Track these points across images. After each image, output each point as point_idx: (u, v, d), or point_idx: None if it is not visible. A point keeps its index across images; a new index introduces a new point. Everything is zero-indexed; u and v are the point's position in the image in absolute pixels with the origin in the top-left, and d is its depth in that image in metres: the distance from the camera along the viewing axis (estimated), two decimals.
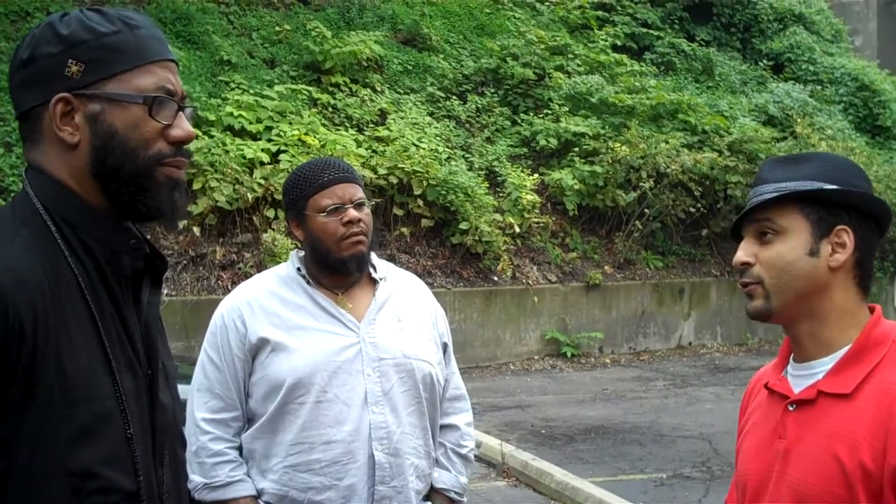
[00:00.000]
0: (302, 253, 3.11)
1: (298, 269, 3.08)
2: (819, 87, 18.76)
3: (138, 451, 1.71)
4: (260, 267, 11.23)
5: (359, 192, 3.02)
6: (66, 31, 1.68)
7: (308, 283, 3.05)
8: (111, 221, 1.73)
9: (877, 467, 1.85)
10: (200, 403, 3.01)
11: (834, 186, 2.00)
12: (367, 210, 3.04)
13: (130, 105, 1.69)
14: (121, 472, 1.68)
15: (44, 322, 1.59)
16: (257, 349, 2.96)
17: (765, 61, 19.14)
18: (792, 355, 2.11)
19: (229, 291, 3.28)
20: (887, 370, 1.94)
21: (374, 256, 3.15)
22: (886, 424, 1.86)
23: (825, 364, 2.01)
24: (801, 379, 2.04)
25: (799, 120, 16.60)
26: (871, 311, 2.05)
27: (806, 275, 1.99)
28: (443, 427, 3.19)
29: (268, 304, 3.01)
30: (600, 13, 18.06)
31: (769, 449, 2.04)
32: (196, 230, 11.65)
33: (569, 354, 13.43)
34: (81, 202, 1.70)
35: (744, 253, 2.04)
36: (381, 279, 3.12)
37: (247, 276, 11.10)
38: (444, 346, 3.22)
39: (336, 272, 3.03)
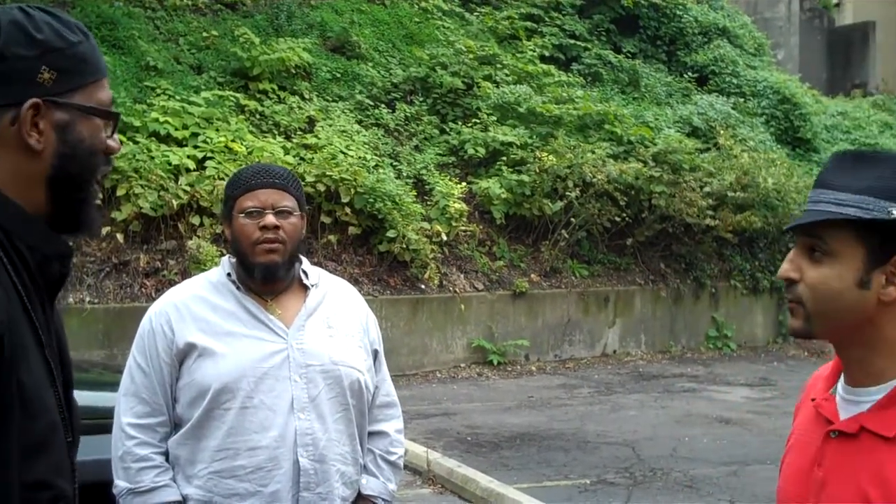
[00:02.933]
0: (234, 259, 3.09)
1: (229, 274, 3.07)
2: (742, 100, 19.09)
3: (74, 457, 1.73)
4: (184, 274, 11.11)
5: (285, 201, 3.00)
6: (39, 36, 1.68)
7: (238, 288, 3.04)
8: (43, 228, 1.73)
9: None
10: (127, 408, 2.98)
11: None
12: (292, 220, 3.01)
13: (94, 118, 1.73)
14: (65, 480, 1.69)
15: (9, 336, 1.58)
16: (184, 354, 2.95)
17: (689, 73, 19.42)
18: (843, 373, 1.92)
19: (153, 299, 3.28)
20: None
21: (306, 262, 3.16)
22: None
23: (872, 395, 1.82)
24: (850, 405, 1.86)
25: (722, 131, 16.86)
26: None
27: (851, 307, 1.79)
28: (372, 434, 3.19)
29: (196, 309, 3.01)
30: (529, 24, 18.20)
31: (807, 475, 1.89)
32: (119, 237, 11.52)
33: (495, 362, 13.49)
34: (16, 207, 1.69)
35: (789, 267, 1.85)
36: (312, 286, 3.12)
37: (171, 283, 10.99)
38: (375, 352, 3.23)
39: (262, 280, 3.03)
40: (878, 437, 1.77)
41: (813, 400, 1.94)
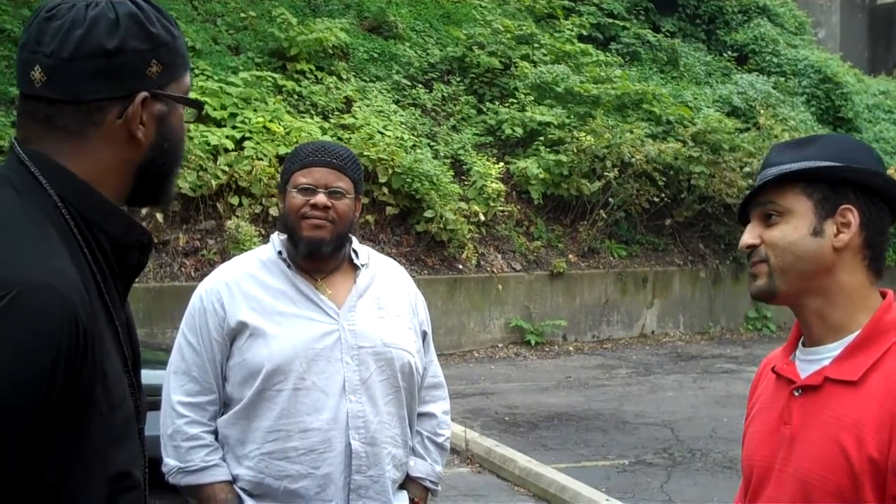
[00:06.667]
0: (284, 236, 3.05)
1: (280, 252, 3.04)
2: (782, 79, 18.90)
3: (143, 442, 1.72)
4: (223, 254, 11.18)
5: (339, 182, 2.96)
6: (154, 30, 1.69)
7: (289, 266, 3.01)
8: (125, 218, 1.72)
9: (882, 458, 1.78)
10: (177, 386, 2.97)
11: (837, 164, 1.93)
12: (345, 201, 2.96)
13: (181, 107, 1.74)
14: (138, 468, 1.68)
15: (92, 327, 1.56)
16: (236, 333, 2.93)
17: (729, 53, 19.25)
18: (801, 339, 2.04)
19: (193, 278, 3.26)
20: None
21: (356, 242, 3.13)
22: (893, 414, 1.79)
23: (833, 349, 1.93)
24: (809, 364, 1.97)
25: (762, 111, 16.71)
26: (884, 296, 1.97)
27: (810, 255, 1.92)
28: (420, 415, 3.17)
29: (247, 287, 2.98)
30: (566, 3, 18.09)
31: (774, 435, 1.98)
32: (159, 216, 11.59)
33: (533, 342, 13.49)
34: (101, 199, 1.68)
35: (749, 236, 1.99)
36: (362, 266, 3.09)
37: (210, 262, 11.06)
38: (424, 334, 3.21)
39: (305, 255, 2.99)
40: (842, 385, 1.88)
41: (773, 368, 2.06)
